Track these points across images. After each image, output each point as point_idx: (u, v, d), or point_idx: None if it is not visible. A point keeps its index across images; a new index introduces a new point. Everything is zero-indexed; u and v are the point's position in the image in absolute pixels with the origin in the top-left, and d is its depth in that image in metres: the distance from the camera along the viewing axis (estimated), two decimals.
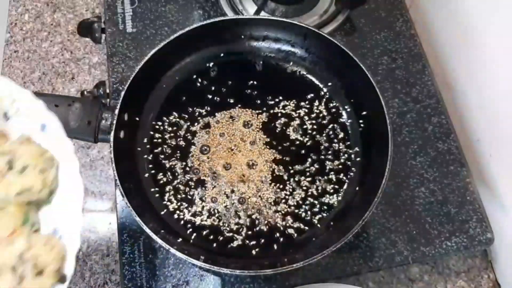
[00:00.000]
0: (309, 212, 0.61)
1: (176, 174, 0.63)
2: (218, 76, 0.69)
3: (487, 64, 0.69)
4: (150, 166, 0.63)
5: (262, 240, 0.60)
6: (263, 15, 0.77)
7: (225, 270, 0.54)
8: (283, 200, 0.62)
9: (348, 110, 0.67)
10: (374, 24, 0.79)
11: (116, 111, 0.59)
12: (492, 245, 0.66)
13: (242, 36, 0.69)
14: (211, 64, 0.69)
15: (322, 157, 0.64)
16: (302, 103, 0.67)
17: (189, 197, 0.62)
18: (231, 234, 0.60)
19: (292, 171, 0.64)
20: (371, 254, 0.64)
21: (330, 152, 0.65)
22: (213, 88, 0.68)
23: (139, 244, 0.63)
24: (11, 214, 0.40)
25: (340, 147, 0.64)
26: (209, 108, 0.67)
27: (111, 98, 0.71)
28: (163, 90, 0.67)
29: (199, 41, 0.67)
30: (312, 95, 0.68)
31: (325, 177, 0.63)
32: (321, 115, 0.67)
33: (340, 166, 0.64)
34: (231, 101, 0.67)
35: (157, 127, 0.65)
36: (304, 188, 0.63)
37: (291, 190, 0.63)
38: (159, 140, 0.64)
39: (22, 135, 0.43)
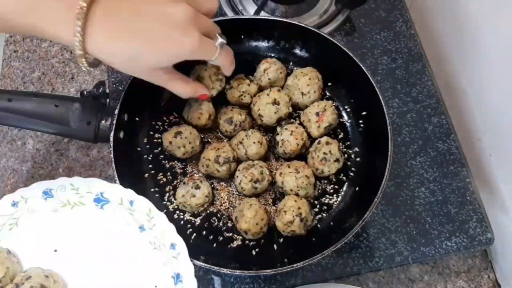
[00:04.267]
0: None
1: (176, 174, 0.63)
2: None
3: (487, 64, 0.69)
4: (150, 166, 0.63)
5: (262, 240, 0.59)
6: (263, 15, 0.77)
7: (225, 270, 0.54)
8: None
9: (348, 110, 0.67)
10: (374, 24, 0.79)
11: (116, 111, 0.59)
12: (492, 245, 0.66)
13: (242, 36, 0.69)
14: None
15: None
16: None
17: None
18: (231, 234, 0.60)
19: None
20: (371, 254, 0.64)
21: None
22: None
23: None
24: None
25: (340, 147, 0.64)
26: None
27: (111, 98, 0.70)
28: (163, 90, 0.67)
29: None
30: None
31: (325, 177, 0.63)
32: None
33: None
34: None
35: (157, 127, 0.65)
36: None
37: None
38: (159, 140, 0.64)
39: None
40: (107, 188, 0.54)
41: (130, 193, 0.53)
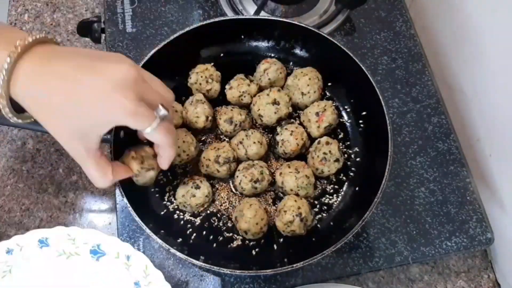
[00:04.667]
0: None
1: (176, 174, 0.63)
2: None
3: (487, 64, 0.69)
4: None
5: (262, 240, 0.59)
6: (263, 15, 0.77)
7: (225, 270, 0.54)
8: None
9: (348, 110, 0.67)
10: (374, 24, 0.79)
11: None
12: (492, 245, 0.66)
13: (242, 36, 0.69)
14: (211, 64, 0.69)
15: None
16: None
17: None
18: (231, 234, 0.60)
19: None
20: (371, 254, 0.64)
21: None
22: None
23: (139, 244, 0.63)
24: None
25: (340, 147, 0.64)
26: None
27: None
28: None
29: (199, 41, 0.67)
30: None
31: (325, 177, 0.63)
32: None
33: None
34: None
35: None
36: None
37: None
38: None
39: None
40: (104, 241, 0.54)
41: (127, 248, 0.53)
